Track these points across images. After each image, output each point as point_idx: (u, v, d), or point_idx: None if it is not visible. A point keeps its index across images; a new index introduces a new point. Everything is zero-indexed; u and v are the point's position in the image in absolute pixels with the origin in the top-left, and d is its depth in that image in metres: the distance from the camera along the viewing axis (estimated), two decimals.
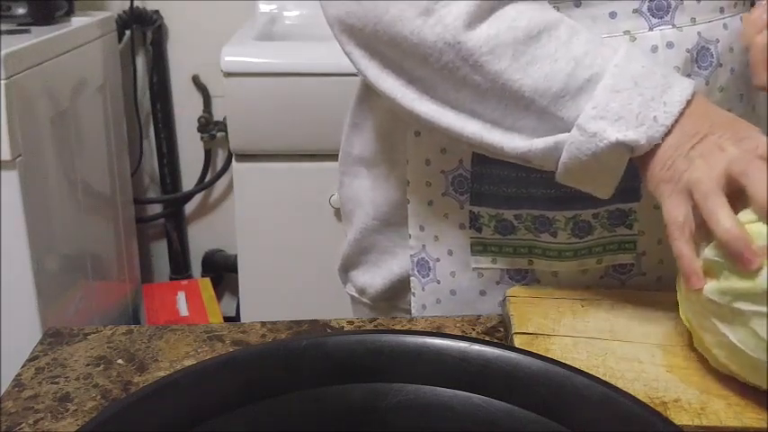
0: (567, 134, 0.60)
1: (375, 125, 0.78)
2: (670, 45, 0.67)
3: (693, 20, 0.68)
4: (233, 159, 1.64)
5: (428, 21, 0.60)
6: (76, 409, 0.58)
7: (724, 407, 0.56)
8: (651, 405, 0.55)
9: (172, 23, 2.10)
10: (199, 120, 2.11)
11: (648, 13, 0.67)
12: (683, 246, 0.56)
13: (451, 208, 0.74)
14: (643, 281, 0.74)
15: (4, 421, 0.57)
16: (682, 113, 0.59)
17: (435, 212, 0.74)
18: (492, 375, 0.47)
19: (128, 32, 2.05)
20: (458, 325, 0.69)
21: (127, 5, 2.02)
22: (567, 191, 0.69)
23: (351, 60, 0.68)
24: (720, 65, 0.69)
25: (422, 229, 0.76)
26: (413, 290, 0.78)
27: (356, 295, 0.85)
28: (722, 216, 0.54)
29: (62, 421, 0.57)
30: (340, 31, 0.67)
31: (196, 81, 2.12)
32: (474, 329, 0.69)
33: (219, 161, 2.18)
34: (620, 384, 0.57)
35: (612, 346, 0.63)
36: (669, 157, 0.59)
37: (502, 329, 0.68)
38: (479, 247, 0.74)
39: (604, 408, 0.44)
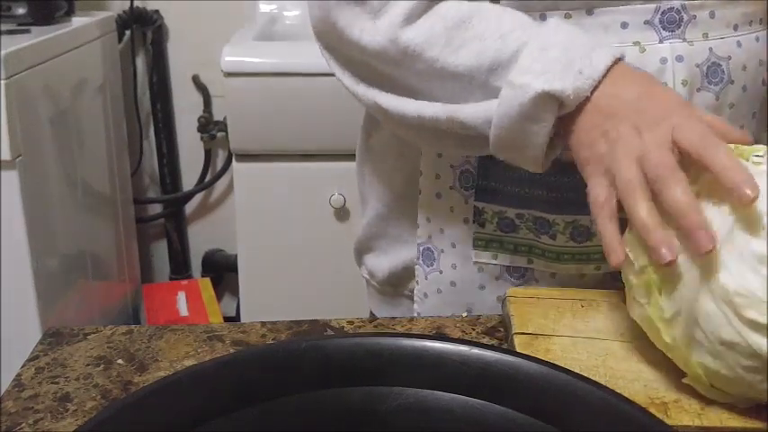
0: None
1: None
2: (680, 59, 0.67)
3: (705, 35, 0.68)
4: (233, 159, 1.64)
5: (377, 23, 0.66)
6: (76, 409, 0.58)
7: (724, 407, 0.56)
8: (651, 405, 0.55)
9: (172, 23, 2.10)
10: (199, 120, 2.11)
11: (660, 26, 0.67)
12: (605, 223, 0.58)
13: (457, 202, 0.75)
14: None
15: (4, 421, 0.57)
16: (609, 70, 0.61)
17: (442, 205, 0.76)
18: (491, 379, 0.47)
19: (128, 32, 2.05)
20: (458, 325, 0.69)
21: (127, 5, 2.02)
22: (568, 195, 0.70)
23: (330, 68, 0.73)
24: (732, 82, 0.70)
25: (429, 220, 0.78)
26: (417, 278, 0.80)
27: (368, 278, 0.88)
28: (642, 211, 0.55)
29: (62, 421, 0.57)
30: (316, 39, 0.73)
31: (196, 81, 2.12)
32: (474, 329, 0.69)
33: (219, 161, 2.18)
34: (619, 384, 0.57)
35: (613, 346, 0.63)
36: (592, 137, 0.60)
37: (502, 329, 0.68)
38: (481, 243, 0.75)
39: (604, 413, 0.44)
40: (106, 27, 1.89)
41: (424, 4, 0.65)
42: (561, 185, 0.71)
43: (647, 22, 0.67)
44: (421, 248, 0.79)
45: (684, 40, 0.67)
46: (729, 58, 0.69)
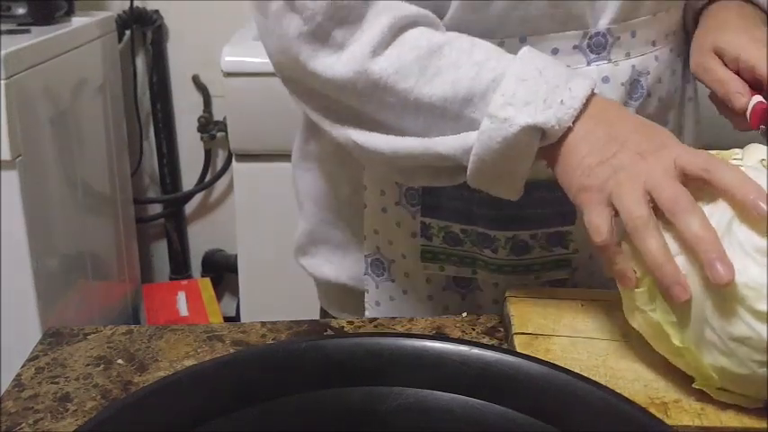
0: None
1: None
2: (606, 80, 0.70)
3: (628, 54, 0.71)
4: (233, 159, 1.64)
5: (341, 57, 0.64)
6: (76, 409, 0.58)
7: (724, 407, 0.56)
8: (651, 405, 0.55)
9: (172, 23, 2.10)
10: (199, 120, 2.11)
11: (588, 49, 0.70)
12: (612, 255, 0.57)
13: (404, 217, 0.77)
14: None
15: (4, 421, 0.57)
16: (588, 100, 0.61)
17: (389, 219, 0.77)
18: (491, 379, 0.47)
19: (128, 32, 2.05)
20: (458, 325, 0.69)
21: (127, 5, 2.02)
22: (509, 212, 0.73)
23: (294, 102, 0.73)
24: (650, 95, 0.73)
25: (376, 232, 0.79)
26: (366, 287, 0.82)
27: (313, 276, 0.89)
28: (653, 248, 0.54)
29: (62, 421, 0.57)
30: (275, 70, 0.72)
31: (196, 81, 2.12)
32: (474, 329, 0.69)
33: (219, 161, 2.18)
34: (619, 384, 0.57)
35: (612, 345, 0.63)
36: (588, 164, 0.59)
37: (502, 329, 0.69)
38: (429, 255, 0.77)
39: (604, 413, 0.44)
40: (106, 27, 1.89)
41: (389, 35, 0.64)
42: (502, 204, 0.72)
43: (575, 47, 0.69)
44: (369, 260, 0.80)
45: (610, 60, 0.70)
46: (648, 72, 0.72)
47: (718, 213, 0.54)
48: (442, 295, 0.78)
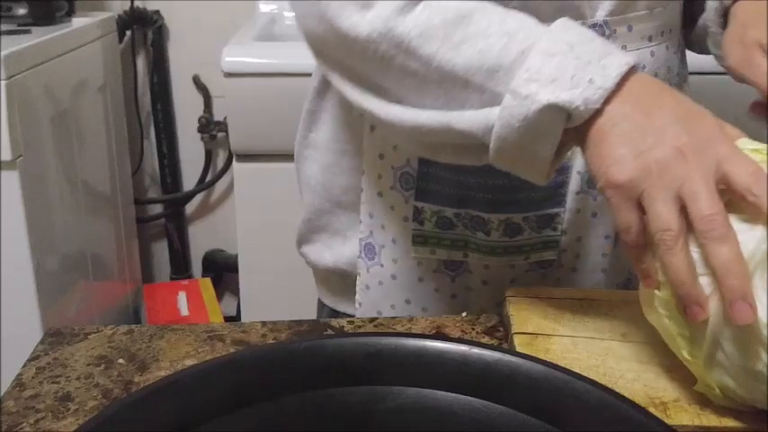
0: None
1: (333, 115, 0.82)
2: None
3: (624, 47, 0.71)
4: (233, 159, 1.64)
5: (366, 15, 0.61)
6: (77, 409, 0.58)
7: (724, 407, 0.55)
8: (651, 405, 0.55)
9: (172, 24, 2.10)
10: (199, 120, 2.11)
11: None
12: (638, 254, 0.55)
13: (397, 201, 0.78)
14: (560, 272, 0.79)
15: (4, 421, 0.57)
16: (624, 79, 0.55)
17: (383, 203, 0.79)
18: (492, 379, 0.47)
19: (128, 33, 2.05)
20: (458, 325, 0.70)
21: (127, 6, 2.02)
22: (503, 196, 0.74)
23: (330, 79, 0.70)
24: None
25: (371, 216, 0.80)
26: (359, 270, 0.83)
27: (308, 263, 0.90)
28: (678, 267, 0.51)
29: (63, 421, 0.57)
30: (312, 51, 0.70)
31: (196, 81, 2.12)
32: (474, 329, 0.69)
33: (220, 161, 2.18)
34: (620, 384, 0.57)
35: (612, 345, 0.63)
36: (620, 156, 0.54)
37: (501, 329, 0.69)
38: (420, 239, 0.78)
39: (604, 413, 0.44)
40: (106, 27, 1.89)
41: None
42: (496, 187, 0.74)
43: None
44: (363, 243, 0.81)
45: None
46: (644, 67, 0.72)
47: (754, 242, 0.50)
48: (432, 277, 0.79)
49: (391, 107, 0.64)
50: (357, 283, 0.83)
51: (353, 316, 0.85)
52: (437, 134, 0.62)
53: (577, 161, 0.74)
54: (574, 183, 0.75)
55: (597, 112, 0.55)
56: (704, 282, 0.51)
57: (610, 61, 0.56)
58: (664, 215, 0.51)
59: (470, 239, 0.77)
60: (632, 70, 0.56)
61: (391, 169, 0.77)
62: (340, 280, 0.87)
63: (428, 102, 0.62)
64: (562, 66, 0.55)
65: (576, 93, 0.55)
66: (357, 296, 0.84)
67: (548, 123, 0.56)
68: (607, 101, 0.55)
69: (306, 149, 0.86)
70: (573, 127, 0.56)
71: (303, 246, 0.90)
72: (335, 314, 0.88)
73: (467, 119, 0.60)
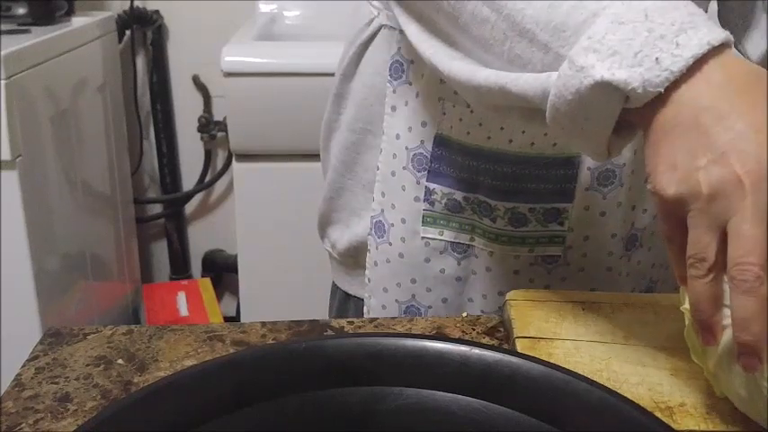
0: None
1: (357, 97, 0.83)
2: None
3: None
4: (233, 159, 1.64)
5: None
6: (77, 409, 0.58)
7: (730, 410, 0.55)
8: (656, 410, 0.55)
9: (172, 23, 2.10)
10: (199, 120, 2.11)
11: None
12: (676, 256, 0.51)
13: (409, 181, 0.79)
14: (566, 271, 0.78)
15: (4, 421, 0.57)
16: (701, 62, 0.47)
17: (396, 183, 0.80)
18: (492, 380, 0.47)
19: (128, 32, 2.05)
20: (458, 325, 0.69)
21: (127, 5, 2.02)
22: (511, 185, 0.74)
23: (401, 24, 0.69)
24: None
25: (383, 195, 0.81)
26: (369, 247, 0.84)
27: (330, 250, 0.91)
28: (699, 294, 0.48)
29: (62, 421, 0.57)
30: None
31: (196, 81, 2.12)
32: (474, 329, 0.69)
33: (219, 161, 2.18)
34: (623, 388, 0.57)
35: (615, 349, 0.62)
36: (670, 165, 0.47)
37: (502, 329, 0.68)
38: (430, 219, 0.79)
39: (605, 413, 0.44)
40: (106, 27, 1.89)
41: None
42: (505, 175, 0.74)
43: None
44: (374, 221, 0.83)
45: None
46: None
47: None
48: (438, 258, 0.80)
49: (454, 63, 0.61)
50: (366, 259, 0.84)
51: (362, 300, 0.87)
52: (494, 96, 0.57)
53: (587, 157, 0.73)
54: (583, 179, 0.74)
55: (660, 99, 0.48)
56: (727, 312, 0.49)
57: (688, 37, 0.47)
58: (702, 244, 0.47)
59: (477, 224, 0.78)
60: (716, 51, 0.47)
61: (405, 150, 0.78)
62: (353, 261, 0.88)
63: (492, 58, 0.58)
64: (629, 37, 0.48)
65: (635, 72, 0.47)
66: (366, 272, 0.85)
67: (601, 102, 0.49)
68: (674, 86, 0.47)
69: (333, 132, 0.87)
70: (635, 108, 0.49)
71: (327, 228, 0.91)
72: (347, 298, 0.90)
73: (522, 82, 0.54)
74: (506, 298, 0.70)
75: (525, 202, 0.75)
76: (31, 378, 0.62)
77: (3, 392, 0.61)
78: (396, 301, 0.82)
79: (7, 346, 1.46)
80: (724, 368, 0.52)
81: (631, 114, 0.50)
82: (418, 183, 0.78)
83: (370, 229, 0.83)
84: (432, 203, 0.78)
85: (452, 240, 0.79)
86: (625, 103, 0.49)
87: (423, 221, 0.79)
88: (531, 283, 0.78)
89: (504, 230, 0.77)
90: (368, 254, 0.84)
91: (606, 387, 0.46)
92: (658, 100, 0.48)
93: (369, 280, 0.85)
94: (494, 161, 0.74)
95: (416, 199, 0.79)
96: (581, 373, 0.48)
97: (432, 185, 0.78)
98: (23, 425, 0.57)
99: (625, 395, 0.46)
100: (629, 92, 0.48)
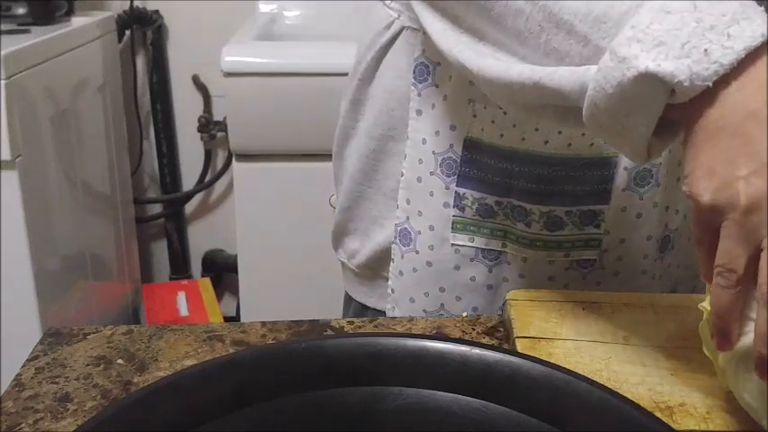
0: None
1: (378, 102, 0.80)
2: None
3: None
4: (233, 159, 1.64)
5: None
6: (76, 409, 0.58)
7: (731, 411, 0.55)
8: (656, 410, 0.55)
9: (172, 23, 2.10)
10: (199, 120, 2.11)
11: None
12: (704, 259, 0.50)
13: (437, 187, 0.77)
14: (601, 275, 0.77)
15: (4, 421, 0.57)
16: (754, 57, 0.44)
17: (422, 189, 0.77)
18: (492, 380, 0.47)
19: (128, 32, 2.05)
20: (458, 325, 0.69)
21: (127, 5, 2.02)
22: (546, 187, 0.72)
23: (423, 21, 0.67)
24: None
25: (408, 202, 0.79)
26: (393, 256, 0.81)
27: (345, 261, 0.88)
28: (722, 303, 0.47)
29: (62, 421, 0.57)
30: None
31: (196, 81, 2.12)
32: (474, 329, 0.69)
33: (219, 161, 2.18)
34: (623, 388, 0.57)
35: (616, 349, 0.62)
36: (709, 171, 0.45)
37: (502, 329, 0.68)
38: (460, 225, 0.77)
39: (605, 413, 0.44)
40: (106, 27, 1.89)
41: None
42: (541, 178, 0.72)
43: None
44: (398, 229, 0.80)
45: None
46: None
47: None
48: (468, 266, 0.78)
49: (483, 60, 0.58)
50: (390, 269, 0.82)
51: (383, 313, 0.83)
52: (528, 93, 0.55)
53: (624, 157, 0.70)
54: (620, 179, 0.72)
55: (706, 96, 0.45)
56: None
57: (741, 29, 0.44)
58: (733, 255, 0.45)
59: (510, 230, 0.76)
60: None
61: (432, 155, 0.76)
62: (372, 272, 0.85)
63: (527, 51, 0.55)
64: (676, 27, 0.45)
65: (683, 64, 0.44)
66: (390, 282, 0.82)
67: (645, 95, 0.47)
68: (723, 82, 0.44)
69: (350, 139, 0.85)
70: (679, 104, 0.47)
71: (343, 238, 0.87)
72: (364, 310, 0.86)
73: (558, 77, 0.52)
74: (506, 298, 0.70)
75: (561, 205, 0.73)
76: (31, 378, 0.62)
77: (3, 392, 0.61)
78: (423, 311, 0.80)
79: (7, 346, 1.46)
80: (735, 371, 0.52)
81: (674, 111, 0.47)
82: (447, 188, 0.76)
83: (395, 237, 0.80)
84: (462, 209, 0.76)
85: (483, 247, 0.77)
86: (670, 98, 0.46)
87: (452, 228, 0.77)
88: (565, 289, 0.75)
89: (539, 235, 0.74)
90: (391, 263, 0.81)
91: (606, 387, 0.46)
92: (705, 97, 0.45)
93: (392, 290, 0.82)
94: (529, 163, 0.72)
95: (446, 205, 0.76)
96: (581, 373, 0.48)
97: (462, 190, 0.75)
98: (23, 425, 0.57)
99: (625, 395, 0.46)
100: (674, 85, 0.45)
